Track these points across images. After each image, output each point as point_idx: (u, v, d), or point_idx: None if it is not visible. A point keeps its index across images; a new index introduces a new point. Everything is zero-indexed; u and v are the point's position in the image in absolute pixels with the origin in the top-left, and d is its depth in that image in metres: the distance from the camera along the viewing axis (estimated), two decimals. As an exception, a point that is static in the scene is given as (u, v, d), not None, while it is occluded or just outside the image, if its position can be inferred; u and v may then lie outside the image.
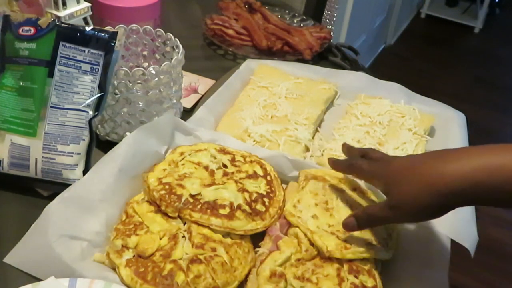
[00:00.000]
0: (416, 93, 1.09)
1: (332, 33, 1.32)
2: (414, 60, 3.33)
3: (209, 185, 0.74)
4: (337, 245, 0.68)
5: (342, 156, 0.88)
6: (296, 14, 1.39)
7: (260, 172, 0.79)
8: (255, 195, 0.75)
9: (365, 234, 0.71)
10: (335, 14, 1.94)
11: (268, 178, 0.79)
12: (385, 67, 3.08)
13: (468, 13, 3.92)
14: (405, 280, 0.69)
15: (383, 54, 3.32)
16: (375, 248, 0.69)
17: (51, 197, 0.71)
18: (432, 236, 0.73)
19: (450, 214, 0.77)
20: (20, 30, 0.76)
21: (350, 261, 0.69)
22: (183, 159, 0.79)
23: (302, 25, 1.35)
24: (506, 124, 2.85)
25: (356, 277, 0.67)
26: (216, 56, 1.24)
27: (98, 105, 0.78)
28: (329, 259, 0.69)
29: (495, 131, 2.76)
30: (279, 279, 0.65)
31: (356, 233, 0.70)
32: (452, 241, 0.73)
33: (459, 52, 3.54)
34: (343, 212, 0.73)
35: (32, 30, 0.76)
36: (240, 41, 1.25)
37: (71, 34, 0.76)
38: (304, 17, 1.39)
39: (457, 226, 0.75)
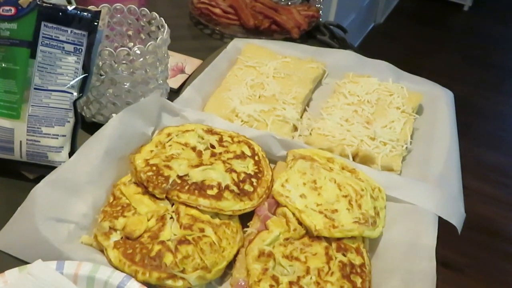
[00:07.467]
0: (404, 71, 1.08)
1: (320, 11, 1.31)
2: (403, 38, 3.31)
3: (197, 166, 0.74)
4: (325, 224, 0.69)
5: (329, 135, 0.88)
6: (284, -8, 1.38)
7: (248, 152, 0.79)
8: (243, 175, 0.75)
9: (353, 213, 0.71)
10: (324, -8, 1.92)
11: (256, 158, 0.78)
12: (375, 45, 3.06)
13: (457, -10, 3.89)
14: (393, 258, 0.70)
15: (372, 33, 3.30)
16: (363, 227, 0.69)
17: (37, 180, 0.70)
18: (419, 213, 0.73)
19: (438, 191, 0.78)
20: (1, 10, 0.75)
21: (338, 239, 0.69)
22: (170, 140, 0.78)
23: (289, 3, 1.34)
24: (494, 102, 2.86)
25: (344, 255, 0.67)
26: (203, 36, 1.23)
27: (83, 86, 0.77)
28: (317, 238, 0.69)
29: (483, 109, 2.77)
30: (268, 259, 0.65)
31: (344, 212, 0.71)
32: (440, 218, 0.74)
33: (448, 30, 3.52)
34: (331, 191, 0.73)
35: (13, 10, 0.75)
36: (227, 20, 1.24)
37: (53, 14, 0.75)
38: (292, -5, 1.37)
39: (444, 203, 0.76)
